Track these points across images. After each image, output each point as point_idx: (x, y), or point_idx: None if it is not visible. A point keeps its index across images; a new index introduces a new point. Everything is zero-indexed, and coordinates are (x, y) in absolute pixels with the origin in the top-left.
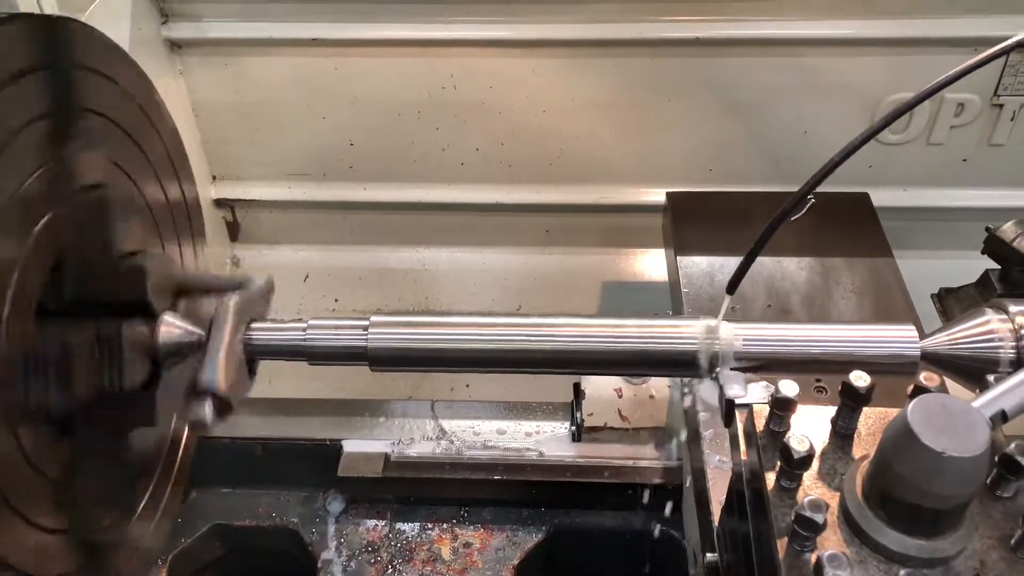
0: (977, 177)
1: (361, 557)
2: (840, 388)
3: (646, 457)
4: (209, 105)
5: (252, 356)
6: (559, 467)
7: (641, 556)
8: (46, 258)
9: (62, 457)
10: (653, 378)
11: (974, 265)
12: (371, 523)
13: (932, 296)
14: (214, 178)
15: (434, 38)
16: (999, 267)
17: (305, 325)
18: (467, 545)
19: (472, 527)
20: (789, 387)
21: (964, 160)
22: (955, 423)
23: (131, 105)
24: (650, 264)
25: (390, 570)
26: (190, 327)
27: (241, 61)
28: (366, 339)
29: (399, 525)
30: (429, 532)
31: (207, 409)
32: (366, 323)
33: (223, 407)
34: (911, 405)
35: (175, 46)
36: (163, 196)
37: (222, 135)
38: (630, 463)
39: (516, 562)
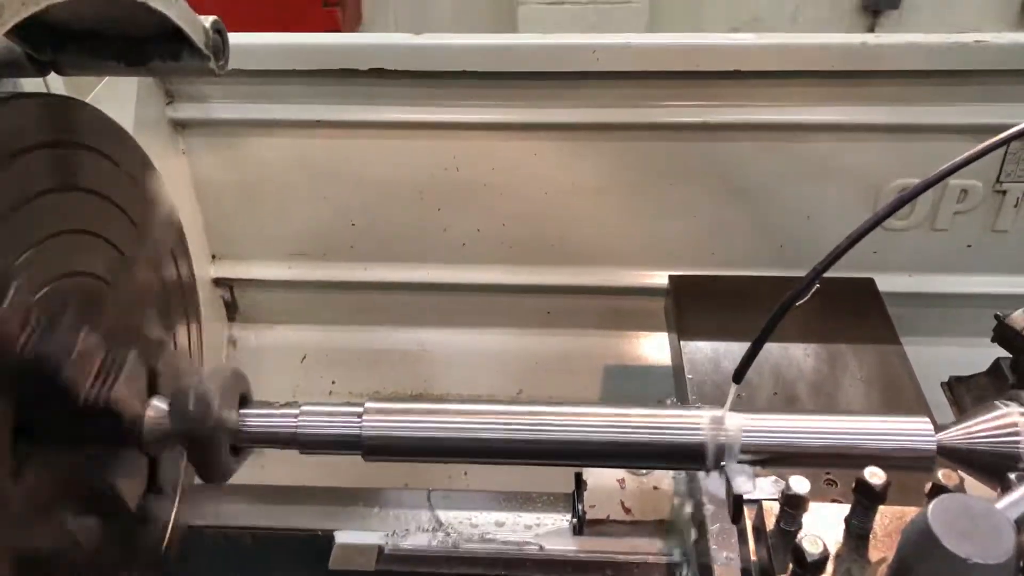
0: (982, 263)
1: None
2: (854, 485)
3: (650, 552)
4: (211, 184)
5: (243, 444)
6: (560, 562)
7: None
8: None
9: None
10: (657, 470)
11: (983, 352)
12: None
13: (942, 385)
14: (213, 257)
15: (436, 121)
16: (1010, 356)
17: (298, 412)
18: None
19: None
20: (800, 484)
21: (969, 246)
22: (978, 526)
23: (131, 185)
24: (653, 347)
25: None
26: None
27: (244, 141)
28: (360, 427)
29: None
30: None
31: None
32: (360, 410)
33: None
34: (931, 507)
35: (179, 126)
36: (160, 278)
37: (223, 214)
38: (633, 559)
39: None
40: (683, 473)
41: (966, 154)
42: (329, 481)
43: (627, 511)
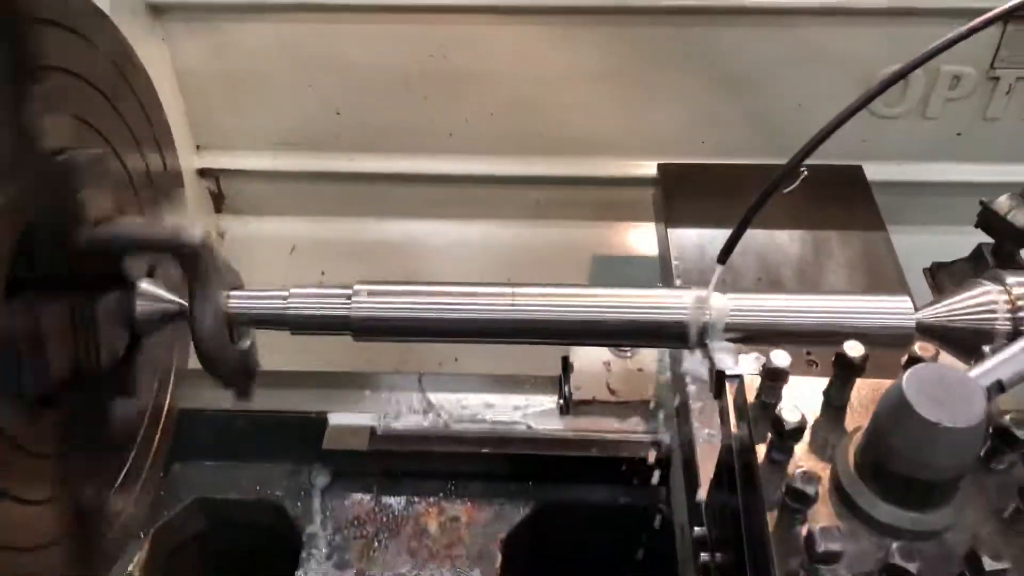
0: (972, 152)
1: (346, 531)
2: (833, 359)
3: (634, 430)
4: (193, 73)
5: (233, 326)
6: (547, 440)
7: (629, 530)
8: (11, 230)
9: (42, 430)
10: (642, 351)
11: (968, 240)
12: (357, 497)
13: (924, 270)
14: (198, 148)
15: (424, 4)
16: (992, 241)
17: (287, 293)
18: (454, 519)
19: (459, 501)
20: (781, 357)
21: (959, 134)
22: (951, 393)
23: (105, 64)
24: (641, 237)
25: (376, 545)
26: (169, 295)
27: (225, 27)
28: (349, 308)
29: (385, 499)
30: (416, 506)
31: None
32: (349, 292)
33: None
34: (906, 375)
35: (157, 11)
36: (142, 163)
37: (206, 104)
38: (618, 437)
39: (504, 536)
40: (667, 355)
41: (952, 34)
42: (322, 368)
43: (612, 392)
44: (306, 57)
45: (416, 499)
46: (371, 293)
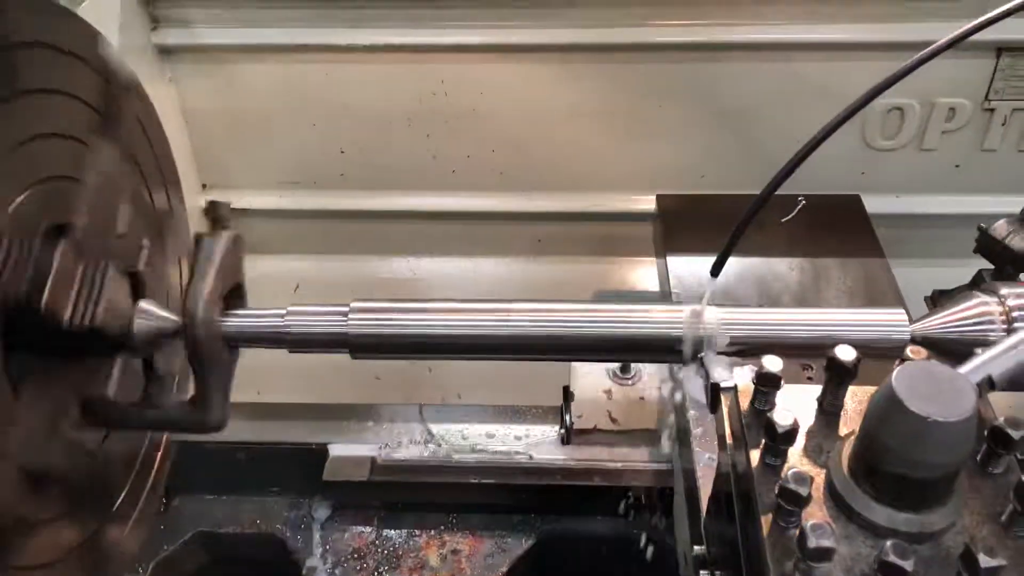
0: (970, 183)
1: (347, 564)
2: (826, 363)
3: (637, 459)
4: (199, 112)
5: (231, 343)
6: (549, 470)
7: (632, 561)
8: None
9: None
10: (642, 380)
11: (968, 273)
12: (357, 529)
13: (925, 298)
14: (204, 186)
15: (424, 43)
16: (992, 267)
17: (285, 312)
18: (455, 552)
19: (461, 533)
20: (773, 363)
21: (957, 166)
22: (941, 389)
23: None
24: (642, 273)
25: None
26: (167, 314)
27: (232, 68)
28: (346, 325)
29: (386, 531)
30: (416, 539)
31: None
32: (346, 309)
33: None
34: (896, 372)
35: (165, 52)
36: (147, 196)
37: (212, 143)
38: (620, 466)
39: (505, 569)
40: (668, 383)
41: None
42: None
43: (614, 421)
44: (310, 97)
45: (417, 532)
46: (368, 310)
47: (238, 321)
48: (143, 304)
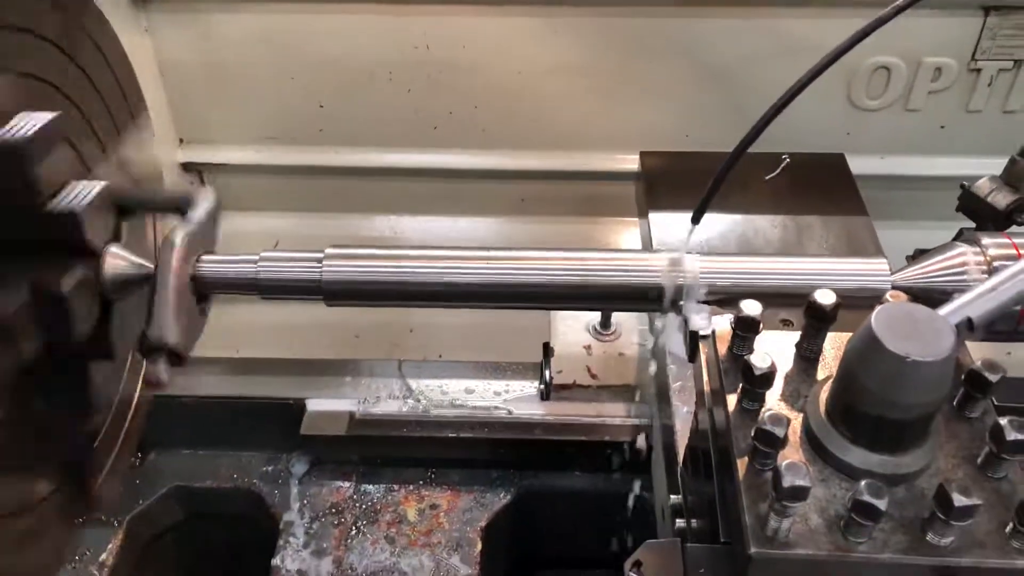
0: (954, 144)
1: (324, 519)
2: (804, 308)
3: (616, 415)
4: (176, 65)
5: (203, 292)
6: (528, 424)
7: (611, 516)
8: None
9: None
10: (622, 336)
11: (950, 235)
12: (335, 484)
13: (907, 258)
14: (181, 141)
15: None
16: (974, 225)
17: (257, 258)
18: (434, 507)
19: (439, 488)
20: (752, 306)
21: (942, 127)
22: (920, 330)
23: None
24: (626, 233)
25: (354, 532)
26: (137, 260)
27: (208, 18)
28: (320, 271)
29: (364, 486)
30: (395, 493)
31: (161, 367)
32: (320, 255)
33: (177, 359)
34: (875, 312)
35: (140, 1)
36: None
37: (189, 96)
38: (599, 421)
39: (484, 524)
40: (649, 338)
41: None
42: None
43: (593, 376)
44: (289, 49)
45: (395, 486)
46: (343, 256)
47: (210, 267)
48: (113, 248)
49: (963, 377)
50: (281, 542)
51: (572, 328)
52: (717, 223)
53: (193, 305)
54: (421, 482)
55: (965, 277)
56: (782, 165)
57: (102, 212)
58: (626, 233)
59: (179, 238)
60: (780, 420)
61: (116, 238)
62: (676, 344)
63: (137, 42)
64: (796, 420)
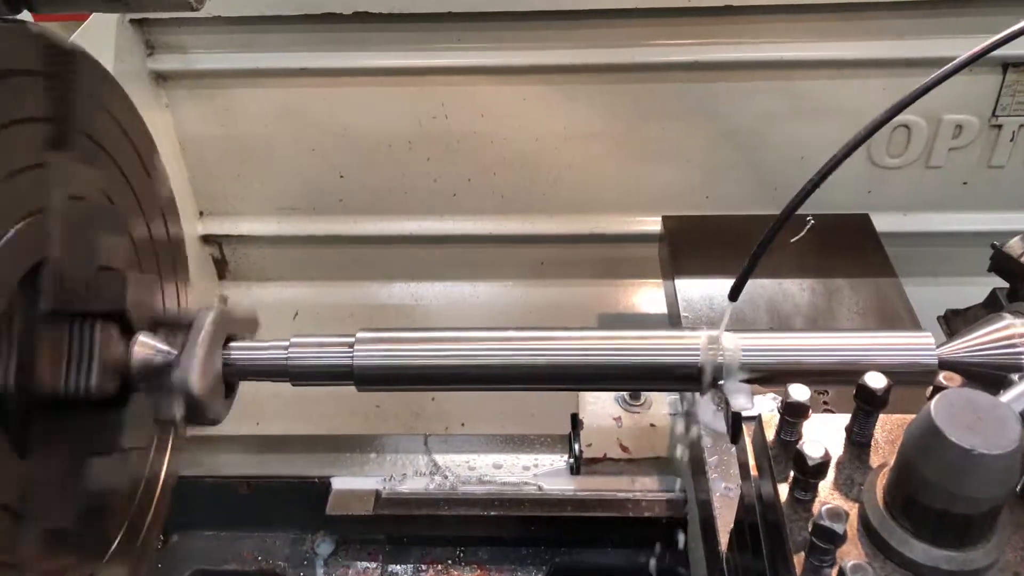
0: (978, 200)
1: None
2: (855, 392)
3: (649, 489)
4: (196, 139)
5: (232, 378)
6: (559, 501)
7: None
8: (22, 260)
9: (17, 480)
10: (653, 407)
11: (980, 291)
12: (362, 565)
13: (938, 318)
14: (201, 214)
15: (424, 66)
16: (1007, 285)
17: (287, 343)
18: None
19: (468, 568)
20: (800, 392)
21: (964, 183)
22: (983, 419)
23: (124, 140)
24: (647, 295)
25: None
26: (165, 347)
27: (228, 93)
28: (352, 357)
29: (391, 567)
30: (423, 574)
31: (176, 405)
32: (352, 340)
33: (196, 411)
34: (935, 400)
35: (161, 78)
36: (147, 234)
37: (209, 170)
38: (632, 496)
39: None
40: (679, 409)
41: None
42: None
43: (624, 449)
44: (308, 121)
45: (423, 566)
46: (374, 341)
47: (240, 354)
48: (142, 336)
49: None
50: None
51: (601, 399)
52: (745, 288)
53: (219, 379)
54: (450, 561)
55: (1018, 351)
56: (807, 227)
57: (144, 301)
58: (647, 294)
59: (212, 313)
60: (839, 515)
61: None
62: (709, 416)
63: (158, 118)
64: (852, 511)
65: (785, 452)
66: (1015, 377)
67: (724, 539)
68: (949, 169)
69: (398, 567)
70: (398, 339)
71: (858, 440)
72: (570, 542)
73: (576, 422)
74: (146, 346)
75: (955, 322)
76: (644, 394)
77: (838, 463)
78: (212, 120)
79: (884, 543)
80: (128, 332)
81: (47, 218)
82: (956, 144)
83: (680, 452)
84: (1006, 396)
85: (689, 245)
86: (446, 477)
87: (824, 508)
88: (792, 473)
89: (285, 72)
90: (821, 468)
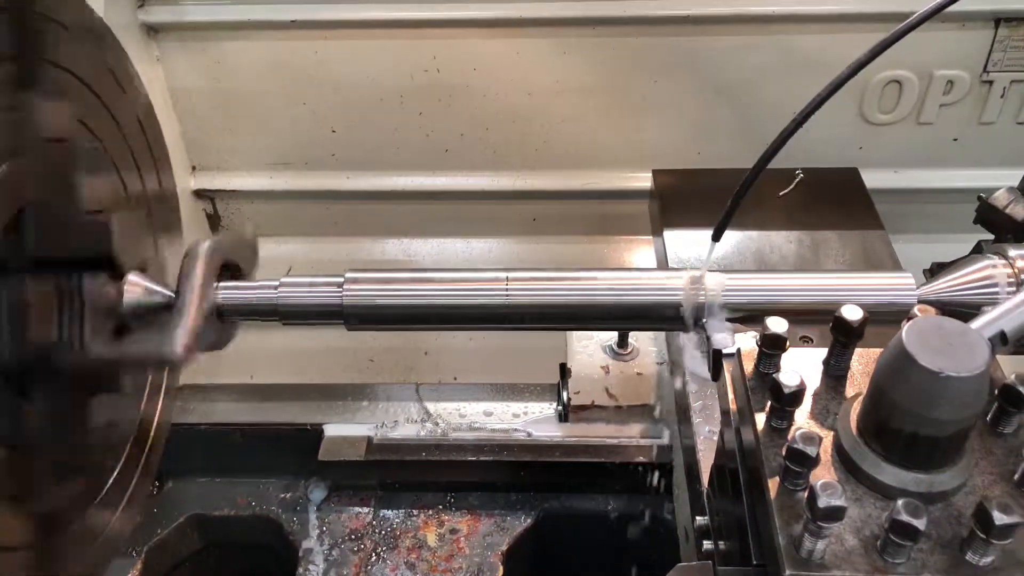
0: (968, 157)
1: (344, 546)
2: (831, 324)
3: (635, 435)
4: (187, 92)
5: (223, 314)
6: (547, 447)
7: (633, 538)
8: (3, 211)
9: (18, 420)
10: (640, 356)
11: (966, 248)
12: (354, 510)
13: (924, 271)
14: (193, 168)
15: (416, 18)
16: (991, 237)
17: (277, 283)
18: (454, 531)
19: (459, 513)
20: (778, 324)
21: (955, 140)
22: (953, 344)
23: (103, 70)
24: (640, 252)
25: (374, 558)
26: (157, 287)
27: (220, 46)
28: (341, 296)
29: (383, 512)
30: (414, 519)
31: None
32: (341, 280)
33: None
34: (906, 327)
35: (152, 31)
36: (138, 182)
37: (201, 124)
38: (619, 442)
39: (505, 548)
40: (666, 358)
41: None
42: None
43: (611, 396)
44: (300, 75)
45: (414, 511)
46: (363, 280)
47: (230, 293)
48: (133, 276)
49: (997, 392)
50: (300, 570)
51: (589, 348)
52: (732, 240)
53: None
54: (440, 507)
55: (994, 290)
56: (796, 180)
57: (132, 242)
58: (639, 251)
59: (203, 248)
60: (812, 439)
61: (143, 269)
62: (694, 362)
63: (149, 71)
64: (827, 438)
65: (763, 384)
66: (987, 308)
67: (706, 479)
68: (940, 125)
69: (390, 512)
70: (387, 279)
71: (835, 372)
72: (558, 487)
73: (565, 371)
74: (136, 285)
75: (941, 274)
76: (631, 343)
77: (815, 394)
78: (203, 74)
79: (856, 467)
80: (118, 276)
81: (24, 162)
82: (947, 100)
83: (666, 398)
84: (976, 323)
85: (679, 198)
86: (437, 424)
87: (798, 432)
88: (769, 402)
89: (277, 24)
90: (796, 396)
